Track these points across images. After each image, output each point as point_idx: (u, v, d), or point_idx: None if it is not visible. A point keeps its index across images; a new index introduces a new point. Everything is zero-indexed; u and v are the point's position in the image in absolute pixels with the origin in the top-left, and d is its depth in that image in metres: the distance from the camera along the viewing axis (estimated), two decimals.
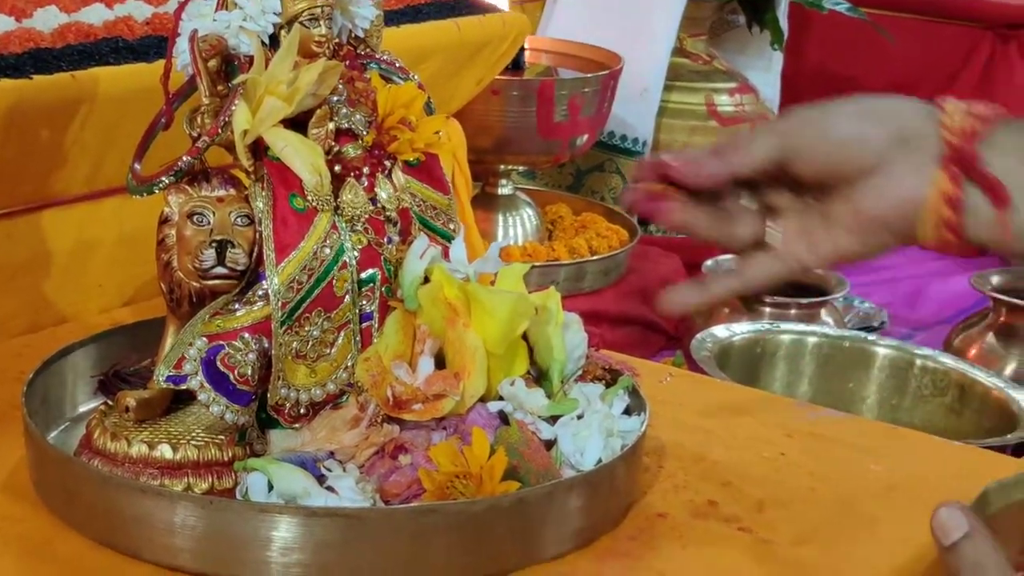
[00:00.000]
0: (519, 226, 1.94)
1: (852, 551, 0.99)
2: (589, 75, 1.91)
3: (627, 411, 1.04)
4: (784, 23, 2.57)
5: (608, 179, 2.28)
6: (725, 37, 2.59)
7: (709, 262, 1.94)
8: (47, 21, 1.23)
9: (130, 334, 1.10)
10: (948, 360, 1.67)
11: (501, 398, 0.99)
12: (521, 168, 1.99)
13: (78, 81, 1.15)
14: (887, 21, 2.64)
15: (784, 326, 1.71)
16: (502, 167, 1.90)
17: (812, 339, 1.69)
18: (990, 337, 1.88)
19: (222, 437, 0.95)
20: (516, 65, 1.83)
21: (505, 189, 1.91)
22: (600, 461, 0.97)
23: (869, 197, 0.84)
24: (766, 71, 2.63)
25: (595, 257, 1.90)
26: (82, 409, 1.07)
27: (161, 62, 1.20)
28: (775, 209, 0.90)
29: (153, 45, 1.23)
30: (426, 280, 1.00)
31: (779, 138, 0.86)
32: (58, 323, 1.23)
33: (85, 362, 1.07)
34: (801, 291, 1.93)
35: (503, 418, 0.98)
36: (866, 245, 0.87)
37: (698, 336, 1.62)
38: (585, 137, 1.94)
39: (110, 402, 0.99)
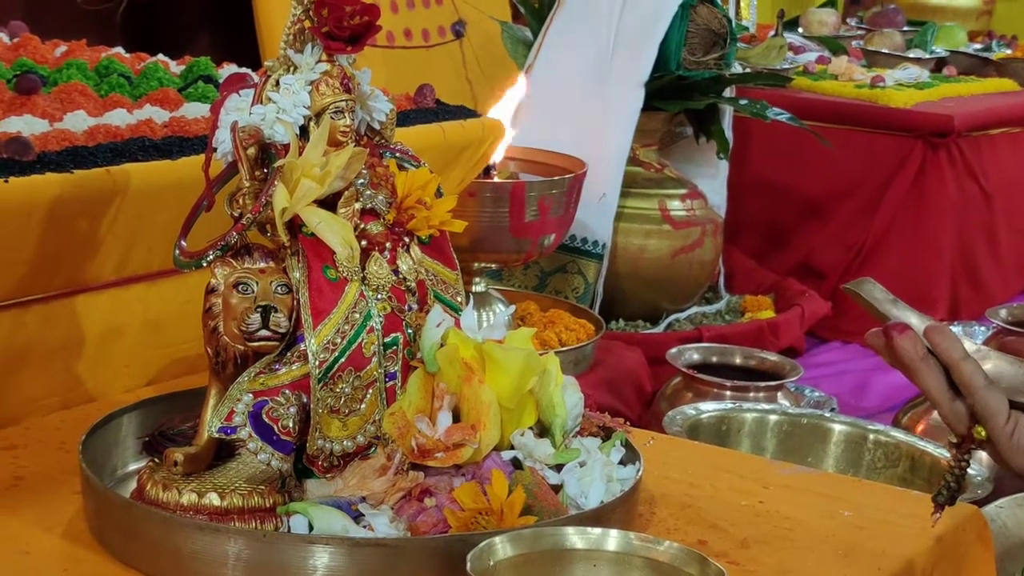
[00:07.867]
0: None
1: None
2: (556, 178, 2.03)
3: (621, 462, 1.16)
4: (729, 133, 2.71)
5: (571, 279, 2.40)
6: (674, 147, 2.72)
7: (673, 350, 2.06)
8: (77, 123, 1.34)
9: (168, 401, 1.19)
10: (899, 434, 1.78)
11: (512, 447, 1.10)
12: (493, 266, 2.09)
13: (112, 176, 1.25)
14: (825, 131, 2.77)
15: (747, 405, 1.82)
16: (476, 265, 2.00)
17: (773, 417, 1.79)
18: (935, 414, 2.01)
19: (263, 486, 1.05)
20: (486, 170, 1.95)
21: (479, 287, 2.01)
22: (603, 503, 1.08)
23: None
24: (713, 179, 2.75)
25: (565, 348, 1.99)
26: (123, 471, 1.17)
27: (183, 159, 1.32)
28: None
29: (175, 144, 1.33)
30: (442, 345, 1.11)
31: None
32: (87, 401, 1.32)
33: (128, 428, 1.17)
34: (758, 376, 2.05)
35: (516, 464, 1.09)
36: None
37: (669, 414, 1.73)
38: (553, 236, 2.05)
39: (156, 460, 1.08)
